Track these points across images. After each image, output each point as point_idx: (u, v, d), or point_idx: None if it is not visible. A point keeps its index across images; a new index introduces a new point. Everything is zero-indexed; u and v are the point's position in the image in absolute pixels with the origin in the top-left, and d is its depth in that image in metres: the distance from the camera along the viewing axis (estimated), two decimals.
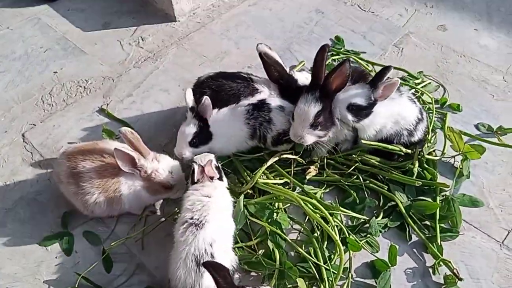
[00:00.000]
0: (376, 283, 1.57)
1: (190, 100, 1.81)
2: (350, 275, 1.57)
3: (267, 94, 1.92)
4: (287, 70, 1.96)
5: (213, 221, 1.48)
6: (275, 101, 1.85)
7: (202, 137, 1.79)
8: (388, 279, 1.57)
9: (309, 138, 1.70)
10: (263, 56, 1.90)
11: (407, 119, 1.80)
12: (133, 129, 1.57)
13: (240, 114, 1.82)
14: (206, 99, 1.74)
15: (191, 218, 1.46)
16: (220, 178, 1.63)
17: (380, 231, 1.70)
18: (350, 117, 1.71)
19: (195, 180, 1.58)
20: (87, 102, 2.30)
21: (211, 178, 1.58)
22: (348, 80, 1.68)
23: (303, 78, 1.98)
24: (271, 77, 1.94)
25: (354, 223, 1.74)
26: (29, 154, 2.06)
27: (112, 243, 1.67)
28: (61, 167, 1.68)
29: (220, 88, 1.91)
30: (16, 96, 2.36)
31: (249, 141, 1.87)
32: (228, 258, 1.48)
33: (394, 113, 1.77)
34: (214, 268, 1.21)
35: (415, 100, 1.87)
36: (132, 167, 1.61)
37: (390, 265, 1.60)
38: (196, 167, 1.59)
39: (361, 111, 1.71)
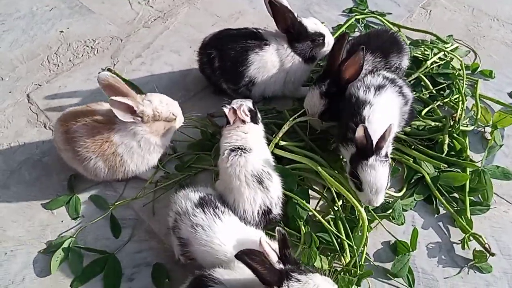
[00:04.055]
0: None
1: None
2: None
3: (275, 47, 1.81)
4: (296, 15, 1.81)
5: (257, 150, 1.49)
6: None
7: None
8: (406, 263, 1.45)
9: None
10: (272, 3, 1.75)
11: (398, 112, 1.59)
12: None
13: None
14: None
15: (233, 146, 1.47)
16: (255, 122, 1.60)
17: (405, 210, 1.59)
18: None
19: (229, 121, 1.57)
20: (94, 63, 2.19)
21: (243, 121, 1.56)
22: (361, 71, 1.58)
23: (312, 24, 1.84)
24: (281, 26, 1.80)
25: None
26: (34, 116, 1.97)
27: (116, 203, 1.61)
28: (57, 134, 1.60)
29: (227, 46, 1.80)
30: (21, 55, 2.25)
31: None
32: (280, 185, 1.48)
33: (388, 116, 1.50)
34: (249, 256, 1.07)
35: (393, 85, 1.58)
36: (131, 115, 1.49)
37: (410, 249, 1.49)
38: (226, 109, 1.56)
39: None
